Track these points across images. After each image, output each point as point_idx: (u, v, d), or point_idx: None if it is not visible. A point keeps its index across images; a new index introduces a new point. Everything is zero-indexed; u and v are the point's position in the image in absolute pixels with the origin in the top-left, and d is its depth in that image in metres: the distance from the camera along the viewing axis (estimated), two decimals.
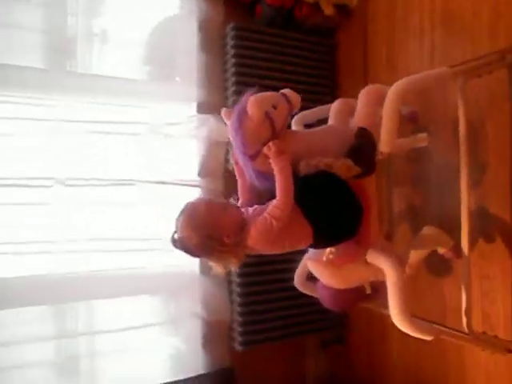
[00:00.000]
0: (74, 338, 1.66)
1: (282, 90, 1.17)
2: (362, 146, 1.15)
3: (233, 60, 1.85)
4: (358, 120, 1.24)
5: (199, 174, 1.85)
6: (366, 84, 1.79)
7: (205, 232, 1.04)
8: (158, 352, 1.78)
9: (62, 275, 1.65)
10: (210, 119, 1.83)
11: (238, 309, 1.80)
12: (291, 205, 1.06)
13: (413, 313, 1.17)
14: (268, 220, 1.05)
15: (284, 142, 1.11)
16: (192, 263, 1.83)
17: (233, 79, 1.85)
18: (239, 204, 1.23)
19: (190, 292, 1.81)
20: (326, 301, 1.33)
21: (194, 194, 1.83)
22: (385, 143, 1.13)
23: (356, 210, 1.17)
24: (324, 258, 1.23)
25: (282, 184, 1.06)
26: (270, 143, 1.07)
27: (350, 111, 1.41)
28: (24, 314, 1.60)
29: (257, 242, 1.08)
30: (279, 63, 1.91)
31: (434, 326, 1.20)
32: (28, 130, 1.58)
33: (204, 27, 1.88)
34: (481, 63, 1.23)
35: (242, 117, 1.10)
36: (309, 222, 1.12)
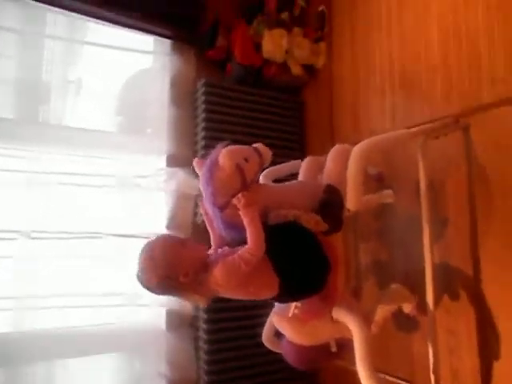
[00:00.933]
0: None
1: (254, 145, 1.20)
2: (330, 203, 1.18)
3: (203, 115, 1.89)
4: (326, 177, 1.27)
5: (167, 227, 1.84)
6: (332, 141, 1.91)
7: (162, 272, 1.03)
8: None
9: (22, 333, 1.56)
10: (179, 173, 1.85)
11: (205, 366, 1.73)
12: (261, 254, 1.06)
13: (381, 370, 1.16)
14: (237, 262, 1.04)
15: (254, 194, 1.13)
16: (158, 318, 1.78)
17: (202, 134, 1.88)
18: (209, 252, 1.22)
19: (156, 349, 1.74)
20: (290, 357, 1.30)
21: None
22: (351, 201, 1.15)
23: (323, 265, 1.17)
24: (289, 314, 1.22)
25: (253, 234, 1.05)
26: (240, 194, 1.08)
27: (319, 168, 1.45)
28: None
29: (220, 283, 1.05)
30: (249, 119, 1.97)
31: None
32: None
33: (176, 82, 1.94)
34: (437, 126, 1.31)
35: (213, 168, 1.10)
36: (276, 272, 1.12)
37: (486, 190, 1.30)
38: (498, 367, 1.25)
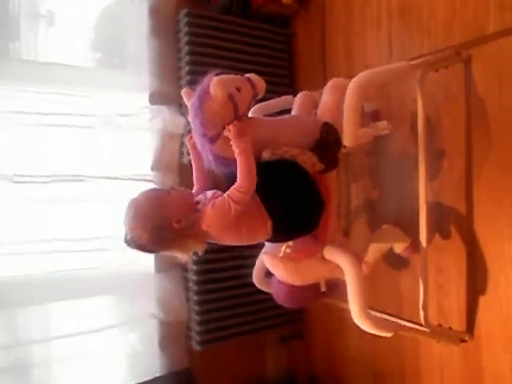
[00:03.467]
0: (26, 346, 1.55)
1: (247, 75, 1.12)
2: (327, 144, 1.13)
3: (186, 48, 1.76)
4: (322, 112, 1.21)
5: (152, 168, 1.77)
6: (324, 76, 1.81)
7: (152, 225, 0.99)
8: (113, 355, 1.69)
9: (13, 278, 1.53)
10: (164, 110, 1.75)
11: (195, 307, 1.74)
12: (253, 188, 1.02)
13: (370, 306, 1.17)
14: (227, 201, 1.00)
15: (246, 126, 1.07)
16: (147, 261, 1.76)
17: (186, 68, 1.76)
18: (194, 191, 1.18)
19: (146, 291, 1.73)
20: (279, 297, 1.30)
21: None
22: (348, 137, 1.11)
23: (317, 204, 1.14)
24: (281, 253, 1.20)
25: (243, 166, 1.01)
26: (232, 125, 1.02)
27: (314, 104, 1.39)
28: None
29: (212, 225, 1.03)
30: (235, 52, 1.84)
31: (392, 321, 1.20)
32: None
33: (155, 12, 1.78)
34: (437, 58, 1.23)
35: (204, 97, 1.03)
36: (268, 212, 1.09)
37: (483, 125, 1.25)
38: (482, 303, 1.28)
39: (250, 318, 1.82)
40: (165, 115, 1.74)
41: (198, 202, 1.08)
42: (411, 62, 1.16)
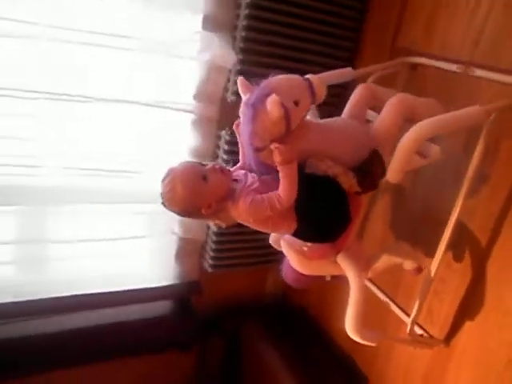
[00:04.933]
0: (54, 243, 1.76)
1: (311, 77, 1.05)
2: (371, 172, 1.10)
3: None
4: (377, 130, 1.15)
5: (195, 97, 1.72)
6: (393, 45, 1.63)
7: (183, 206, 1.05)
8: (133, 261, 1.92)
9: (46, 184, 1.64)
10: (216, 41, 1.62)
11: (213, 236, 1.89)
12: (291, 203, 1.05)
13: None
14: (265, 204, 1.03)
15: (295, 144, 1.04)
16: None
17: None
18: (238, 165, 1.20)
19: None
20: (286, 277, 1.41)
21: (186, 120, 1.74)
22: (393, 174, 1.06)
23: (344, 221, 1.17)
24: (297, 247, 1.28)
25: (286, 188, 1.03)
26: (278, 150, 1.00)
27: (373, 101, 1.31)
28: None
29: (243, 217, 1.09)
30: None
31: (378, 333, 1.32)
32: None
33: None
34: None
35: (259, 108, 0.99)
36: (296, 216, 1.13)
37: None
38: (468, 324, 1.39)
39: (261, 252, 1.97)
40: (216, 46, 1.62)
41: (236, 180, 1.11)
42: (486, 107, 1.04)
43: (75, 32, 1.45)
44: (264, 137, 1.02)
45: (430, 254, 1.32)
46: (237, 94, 1.68)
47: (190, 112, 1.72)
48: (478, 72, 1.32)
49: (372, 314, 1.66)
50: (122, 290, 1.88)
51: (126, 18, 1.52)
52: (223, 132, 1.76)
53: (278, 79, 1.04)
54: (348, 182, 1.10)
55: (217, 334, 2.02)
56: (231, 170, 1.17)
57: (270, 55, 1.66)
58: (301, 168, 1.06)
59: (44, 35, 1.41)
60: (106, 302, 1.85)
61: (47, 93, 1.47)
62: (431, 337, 1.44)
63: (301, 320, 2.04)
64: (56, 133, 1.56)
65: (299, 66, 1.71)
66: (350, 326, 1.22)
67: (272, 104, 0.95)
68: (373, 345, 1.26)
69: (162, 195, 1.06)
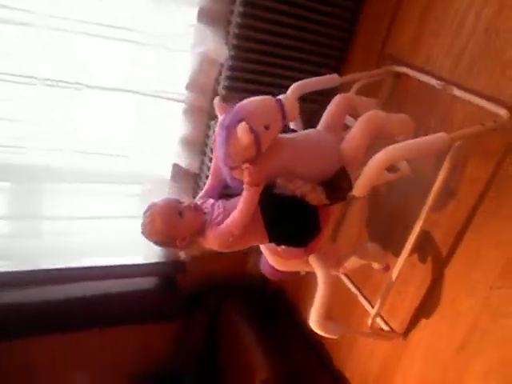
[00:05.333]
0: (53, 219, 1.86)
1: (283, 99, 1.11)
2: (340, 187, 1.19)
3: None
4: (347, 146, 1.22)
5: (187, 87, 1.77)
6: (382, 50, 1.69)
7: (161, 237, 1.17)
8: (123, 239, 2.02)
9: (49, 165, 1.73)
10: (209, 35, 1.66)
11: None
12: (244, 225, 1.13)
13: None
14: (225, 233, 1.14)
15: (263, 166, 1.12)
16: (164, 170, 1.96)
17: None
18: (205, 189, 1.30)
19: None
20: (264, 270, 1.52)
21: (177, 109, 1.80)
22: (359, 189, 1.14)
23: (314, 230, 1.27)
24: (272, 247, 1.38)
25: (243, 209, 1.12)
26: (248, 171, 1.08)
27: (349, 109, 1.37)
28: None
29: (213, 247, 1.19)
30: None
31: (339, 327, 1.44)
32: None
33: None
34: (486, 128, 1.17)
35: (231, 131, 1.06)
36: (267, 231, 1.24)
37: (501, 195, 1.29)
38: (424, 321, 1.53)
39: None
40: (209, 41, 1.66)
41: (205, 213, 1.20)
42: (452, 135, 1.11)
43: (73, 22, 1.48)
44: (236, 158, 1.09)
45: (398, 254, 1.43)
46: (228, 88, 1.76)
47: (182, 102, 1.78)
48: (456, 91, 1.38)
49: (341, 305, 1.82)
50: (113, 264, 2.02)
51: (124, 10, 1.55)
52: (213, 122, 1.83)
53: (251, 104, 1.09)
54: (316, 197, 1.18)
55: (200, 309, 2.16)
56: (201, 199, 1.27)
57: (261, 52, 1.70)
58: (270, 187, 1.15)
59: (44, 24, 1.45)
60: (97, 275, 1.99)
61: (47, 79, 1.53)
62: (392, 330, 1.58)
63: (278, 301, 2.18)
64: (54, 117, 1.63)
65: (289, 64, 1.76)
66: (313, 320, 1.33)
67: (242, 131, 1.02)
68: (334, 337, 1.40)
69: (142, 226, 1.17)
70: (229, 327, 2.08)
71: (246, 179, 1.09)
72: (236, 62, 1.68)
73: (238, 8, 1.60)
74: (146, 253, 2.06)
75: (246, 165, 1.09)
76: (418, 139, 1.11)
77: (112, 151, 1.80)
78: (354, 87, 1.57)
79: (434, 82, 1.45)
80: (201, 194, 1.31)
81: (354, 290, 1.74)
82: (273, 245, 1.36)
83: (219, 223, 1.17)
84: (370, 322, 1.48)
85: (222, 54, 1.68)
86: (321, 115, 1.38)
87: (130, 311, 2.05)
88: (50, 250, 1.89)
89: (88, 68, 1.59)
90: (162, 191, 1.95)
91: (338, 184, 1.20)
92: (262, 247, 1.42)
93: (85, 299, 1.97)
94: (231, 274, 2.27)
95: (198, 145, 1.89)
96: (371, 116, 1.21)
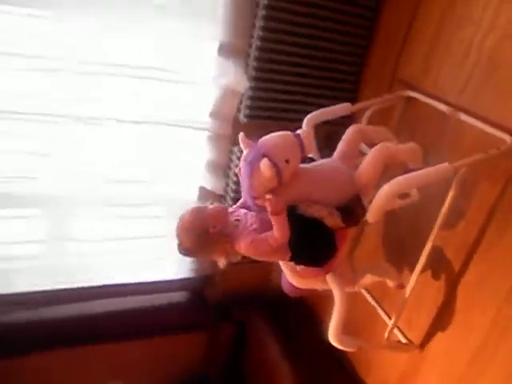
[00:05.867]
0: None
1: (301, 134, 1.23)
2: (354, 213, 1.29)
3: (263, 12, 1.67)
4: (360, 174, 1.32)
5: (211, 115, 1.90)
6: (393, 72, 1.77)
7: (193, 233, 1.23)
8: (155, 257, 2.18)
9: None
10: (230, 67, 1.79)
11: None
12: (285, 242, 1.23)
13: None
14: (264, 244, 1.22)
15: (285, 195, 1.23)
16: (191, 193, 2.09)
17: (261, 25, 1.70)
18: (240, 202, 1.41)
19: None
20: (285, 287, 1.61)
21: (202, 136, 1.94)
22: (372, 215, 1.24)
23: (331, 251, 1.37)
24: (291, 266, 1.49)
25: (278, 232, 1.21)
26: (269, 202, 1.19)
27: (363, 140, 1.48)
28: None
29: (244, 251, 1.27)
30: (315, 21, 1.74)
31: (357, 340, 1.52)
32: None
33: None
34: (489, 156, 1.25)
35: (255, 166, 1.18)
36: (290, 250, 1.34)
37: (506, 214, 1.36)
38: (439, 335, 1.60)
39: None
40: (230, 72, 1.79)
41: (237, 220, 1.31)
42: (455, 164, 1.20)
43: (102, 66, 1.65)
44: (259, 189, 1.21)
45: (412, 271, 1.51)
46: (248, 116, 1.88)
47: (206, 130, 1.92)
48: (463, 116, 1.46)
49: (363, 317, 1.91)
50: (146, 281, 2.19)
51: (149, 50, 1.70)
52: (236, 148, 1.95)
53: (272, 140, 1.21)
54: (333, 221, 1.29)
55: (226, 321, 2.29)
56: (233, 208, 1.38)
57: (279, 82, 1.82)
58: (294, 208, 1.26)
59: (69, 68, 1.61)
60: (132, 290, 2.15)
61: (80, 117, 1.70)
62: (410, 341, 1.65)
63: (302, 312, 2.28)
64: (91, 148, 1.81)
65: (306, 90, 1.88)
66: (331, 335, 1.43)
67: (264, 167, 1.14)
68: (352, 350, 1.49)
69: (176, 237, 1.26)
70: (254, 339, 2.20)
71: (268, 209, 1.20)
72: (255, 93, 1.80)
73: (256, 42, 1.73)
74: (177, 269, 2.21)
75: (268, 195, 1.20)
76: (423, 170, 1.20)
77: (144, 177, 1.96)
78: (367, 113, 1.67)
79: (443, 107, 1.53)
80: (234, 206, 1.42)
81: (373, 302, 1.82)
82: (292, 263, 1.47)
83: (255, 230, 1.26)
84: (386, 334, 1.57)
85: (243, 85, 1.81)
86: (338, 136, 1.49)
87: (162, 323, 2.19)
88: (87, 269, 2.05)
89: (120, 104, 1.74)
90: None
91: (352, 210, 1.30)
92: (282, 265, 1.53)
93: (121, 313, 2.12)
94: (256, 287, 2.38)
95: (222, 168, 2.02)
96: (382, 148, 1.31)
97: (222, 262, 1.33)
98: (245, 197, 1.33)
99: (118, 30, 1.65)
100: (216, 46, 1.78)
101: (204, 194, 2.06)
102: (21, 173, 1.78)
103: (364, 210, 1.29)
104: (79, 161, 1.81)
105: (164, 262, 2.19)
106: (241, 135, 1.27)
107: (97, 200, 1.92)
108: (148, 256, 2.16)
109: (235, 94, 1.86)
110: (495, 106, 1.39)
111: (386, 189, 1.17)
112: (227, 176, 2.04)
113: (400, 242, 1.75)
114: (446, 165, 1.20)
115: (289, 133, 1.24)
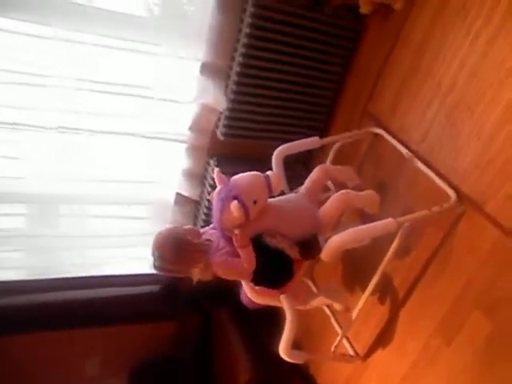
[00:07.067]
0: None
1: (270, 175, 1.36)
2: (311, 249, 1.43)
3: (247, 30, 1.72)
4: (322, 216, 1.47)
5: (190, 128, 1.98)
6: (365, 107, 1.90)
7: (171, 241, 1.33)
8: (132, 252, 2.32)
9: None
10: (211, 87, 1.85)
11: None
12: (253, 268, 1.38)
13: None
14: (236, 267, 1.37)
15: (252, 226, 1.37)
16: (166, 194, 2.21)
17: (242, 50, 1.75)
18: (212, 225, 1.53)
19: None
20: (243, 300, 1.74)
21: (180, 149, 2.04)
22: (327, 255, 1.37)
23: (288, 277, 1.51)
24: (251, 284, 1.63)
25: (246, 263, 1.35)
26: (235, 237, 1.33)
27: (327, 179, 1.61)
28: None
29: (217, 272, 1.41)
30: (298, 41, 1.80)
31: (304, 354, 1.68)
32: None
33: None
34: (432, 213, 1.39)
35: (225, 204, 1.31)
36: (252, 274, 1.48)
37: (446, 256, 1.52)
38: (380, 351, 1.81)
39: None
40: (211, 93, 1.86)
41: (209, 240, 1.43)
42: (399, 220, 1.34)
43: (91, 83, 1.72)
44: (227, 224, 1.36)
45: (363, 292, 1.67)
46: (225, 134, 1.96)
47: (185, 142, 2.01)
48: (419, 164, 1.58)
49: (317, 322, 2.10)
50: (127, 274, 2.36)
51: (137, 69, 1.79)
52: (211, 161, 2.05)
53: (243, 181, 1.34)
54: (292, 253, 1.44)
55: (196, 311, 2.48)
56: (206, 229, 1.50)
57: (256, 105, 1.90)
58: (259, 237, 1.40)
59: (61, 84, 1.68)
60: (113, 282, 2.33)
61: (71, 128, 1.79)
62: (356, 352, 1.86)
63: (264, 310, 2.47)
64: (82, 158, 1.92)
65: (280, 112, 1.97)
66: (281, 350, 1.59)
67: (234, 208, 1.27)
68: (300, 362, 1.68)
69: (152, 250, 1.34)
70: (220, 328, 2.40)
71: (235, 243, 1.34)
72: (232, 113, 1.89)
73: (236, 68, 1.79)
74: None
75: (236, 230, 1.34)
76: (370, 225, 1.34)
77: (126, 180, 2.08)
78: (335, 146, 1.78)
79: (403, 150, 1.65)
80: (207, 227, 1.53)
81: (328, 312, 2.01)
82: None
83: (228, 253, 1.39)
84: (332, 348, 1.76)
85: (221, 105, 1.89)
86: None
87: (137, 312, 2.36)
88: (70, 263, 2.20)
89: (108, 118, 1.84)
90: (166, 213, 2.22)
91: (309, 246, 1.45)
92: (243, 282, 1.69)
93: (99, 300, 2.28)
94: (226, 283, 2.54)
95: (199, 177, 2.13)
96: (343, 196, 1.45)
97: (195, 277, 1.42)
98: (215, 225, 1.47)
99: (105, 49, 1.70)
100: (198, 65, 1.85)
101: (180, 198, 2.18)
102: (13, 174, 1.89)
103: (319, 249, 1.43)
104: (76, 165, 1.94)
105: (144, 258, 2.34)
106: (216, 171, 1.37)
107: (85, 199, 2.04)
108: (128, 251, 2.31)
109: (214, 111, 1.93)
110: (447, 161, 1.51)
111: (336, 239, 1.32)
112: (203, 184, 2.15)
113: (355, 265, 1.92)
114: (390, 220, 1.34)
115: (259, 174, 1.37)
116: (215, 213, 1.37)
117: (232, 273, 1.40)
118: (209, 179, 2.09)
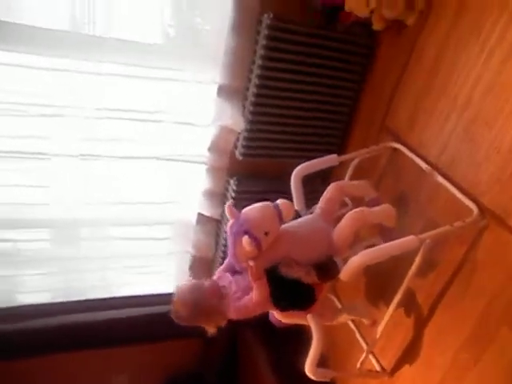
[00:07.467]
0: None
1: (280, 205, 1.37)
2: (328, 272, 1.44)
3: (261, 51, 1.76)
4: (337, 235, 1.46)
5: (209, 150, 2.02)
6: (381, 125, 1.91)
7: (191, 306, 1.37)
8: (156, 272, 2.36)
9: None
10: (229, 109, 1.89)
11: (221, 253, 2.28)
12: (265, 303, 1.39)
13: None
14: (246, 310, 1.38)
15: (266, 256, 1.38)
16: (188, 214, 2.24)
17: (258, 72, 1.79)
18: (224, 264, 1.55)
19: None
20: (272, 320, 1.77)
21: (200, 170, 2.08)
22: (346, 275, 1.38)
23: (310, 301, 1.52)
24: None
25: (257, 296, 1.36)
26: (250, 270, 1.35)
27: (342, 195, 1.61)
28: None
29: (235, 316, 1.42)
30: (312, 60, 1.83)
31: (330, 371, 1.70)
32: None
33: (241, 8, 1.71)
34: (454, 228, 1.38)
35: (238, 239, 1.34)
36: (275, 306, 1.47)
37: (469, 274, 1.50)
38: (407, 367, 1.78)
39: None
40: (228, 114, 1.89)
41: (223, 286, 1.46)
42: (420, 236, 1.33)
43: (110, 111, 1.78)
44: (241, 257, 1.38)
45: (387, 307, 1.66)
46: (244, 155, 1.99)
47: (204, 163, 2.05)
48: (439, 178, 1.58)
49: (341, 338, 2.09)
50: (150, 294, 2.40)
51: (157, 95, 1.84)
52: (231, 180, 2.08)
53: (253, 214, 1.35)
54: (310, 279, 1.44)
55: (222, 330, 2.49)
56: (219, 272, 1.52)
57: (274, 124, 1.93)
58: (275, 268, 1.41)
59: (83, 113, 1.75)
60: (137, 302, 2.37)
61: (96, 155, 1.87)
62: (382, 368, 1.84)
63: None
64: (100, 182, 1.99)
65: (298, 130, 2.00)
66: (307, 368, 1.60)
67: (245, 242, 1.30)
68: (327, 380, 1.68)
69: (172, 304, 1.38)
70: (245, 347, 2.41)
71: (249, 276, 1.35)
72: (250, 134, 1.92)
73: (253, 89, 1.83)
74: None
75: (250, 262, 1.36)
76: (390, 243, 1.34)
77: (147, 202, 2.13)
78: (354, 162, 1.79)
79: (423, 164, 1.65)
80: (220, 268, 1.55)
81: (353, 326, 2.00)
82: None
83: (239, 298, 1.40)
84: (358, 365, 1.75)
85: (239, 126, 1.92)
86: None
87: (159, 331, 2.39)
88: (95, 284, 2.25)
89: (130, 143, 1.90)
90: (189, 233, 2.26)
91: (327, 268, 1.46)
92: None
93: (124, 320, 2.33)
94: None
95: (219, 196, 2.16)
96: (357, 214, 1.45)
97: (211, 330, 1.45)
98: (230, 258, 1.48)
99: (123, 76, 1.76)
100: (215, 88, 1.89)
101: (202, 219, 2.22)
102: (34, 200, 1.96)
103: (337, 270, 1.44)
104: (98, 189, 2.01)
105: (166, 277, 2.38)
106: (227, 206, 1.39)
107: (106, 222, 2.10)
108: (153, 270, 2.35)
109: (232, 132, 1.97)
110: (468, 175, 1.51)
111: (356, 260, 1.32)
112: (223, 203, 2.18)
113: (379, 279, 1.90)
114: (412, 238, 1.34)
115: (268, 205, 1.38)
116: (229, 245, 1.39)
117: (246, 313, 1.40)
118: (229, 198, 2.12)
